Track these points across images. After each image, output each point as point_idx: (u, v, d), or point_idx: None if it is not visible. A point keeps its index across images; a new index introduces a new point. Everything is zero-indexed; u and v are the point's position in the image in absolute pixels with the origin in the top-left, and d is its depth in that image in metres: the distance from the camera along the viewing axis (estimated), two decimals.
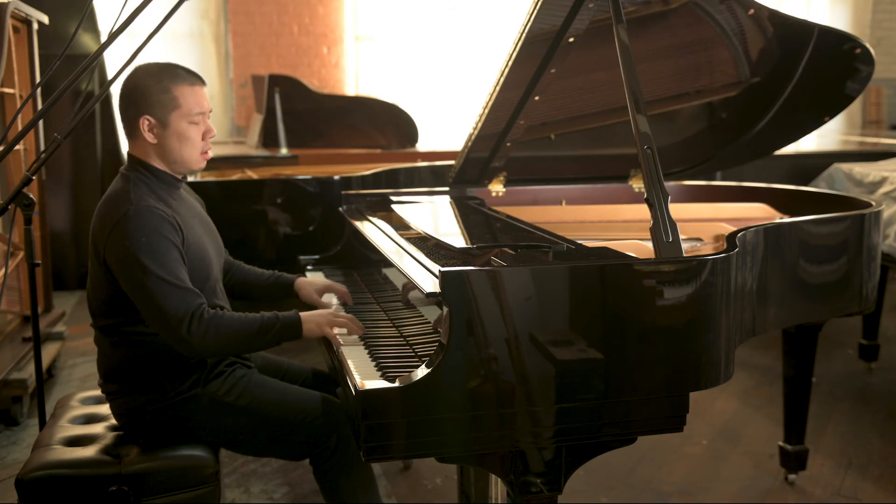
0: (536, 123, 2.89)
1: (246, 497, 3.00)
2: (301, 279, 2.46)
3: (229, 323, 1.98)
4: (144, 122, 2.06)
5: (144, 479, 1.98)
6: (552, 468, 1.80)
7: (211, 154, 2.18)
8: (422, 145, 6.09)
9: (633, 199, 3.18)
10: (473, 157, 2.94)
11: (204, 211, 2.32)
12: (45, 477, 1.95)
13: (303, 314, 2.06)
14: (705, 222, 2.68)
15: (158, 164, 2.11)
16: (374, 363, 1.89)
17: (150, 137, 2.07)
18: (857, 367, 4.39)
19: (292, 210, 3.91)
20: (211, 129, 2.14)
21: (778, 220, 2.44)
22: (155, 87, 2.05)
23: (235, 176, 4.47)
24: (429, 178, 4.38)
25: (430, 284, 1.81)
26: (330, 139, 6.05)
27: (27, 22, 4.12)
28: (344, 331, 2.09)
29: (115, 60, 6.07)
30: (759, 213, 3.01)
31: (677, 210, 2.43)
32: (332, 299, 2.43)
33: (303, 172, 4.59)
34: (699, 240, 2.57)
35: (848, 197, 2.95)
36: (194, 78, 2.10)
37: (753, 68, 2.84)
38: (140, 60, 2.10)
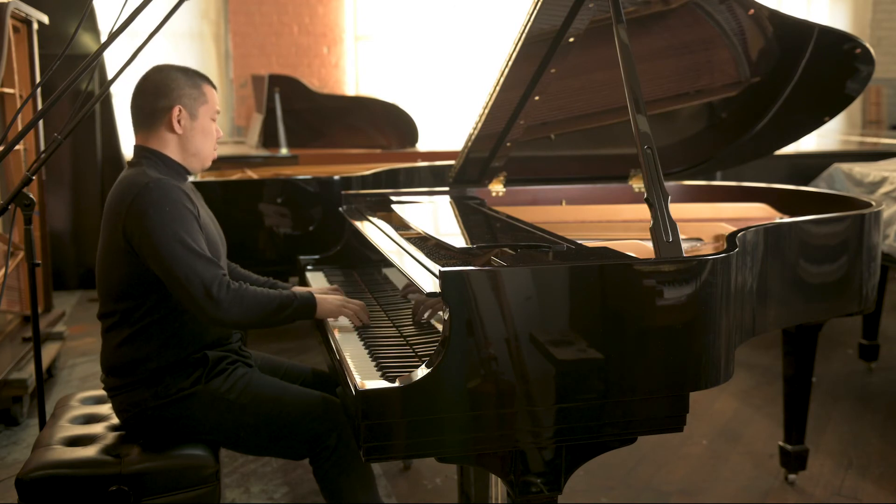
0: (536, 123, 2.89)
1: (246, 497, 3.00)
2: (296, 289, 2.47)
3: (252, 295, 2.02)
4: (176, 111, 2.13)
5: (144, 478, 1.98)
6: (552, 468, 1.80)
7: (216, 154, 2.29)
8: (422, 145, 6.08)
9: (633, 199, 3.17)
10: (473, 157, 2.94)
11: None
12: (45, 477, 1.95)
13: (317, 296, 2.14)
14: (705, 222, 2.68)
15: (175, 155, 2.17)
16: (374, 363, 1.89)
17: (177, 128, 2.14)
18: (857, 367, 4.39)
19: (292, 210, 3.92)
20: (220, 130, 2.25)
21: (778, 220, 2.44)
22: (186, 81, 2.15)
23: (235, 176, 4.47)
24: (429, 178, 4.38)
25: (430, 284, 1.81)
26: (330, 139, 6.05)
27: (27, 22, 4.12)
28: (345, 323, 2.16)
29: (115, 60, 6.07)
30: (759, 213, 3.01)
31: (677, 210, 2.43)
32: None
33: (303, 172, 4.59)
34: (699, 240, 2.57)
35: (848, 197, 2.95)
36: (211, 82, 2.23)
37: (753, 68, 2.84)
38: (140, 60, 2.13)
